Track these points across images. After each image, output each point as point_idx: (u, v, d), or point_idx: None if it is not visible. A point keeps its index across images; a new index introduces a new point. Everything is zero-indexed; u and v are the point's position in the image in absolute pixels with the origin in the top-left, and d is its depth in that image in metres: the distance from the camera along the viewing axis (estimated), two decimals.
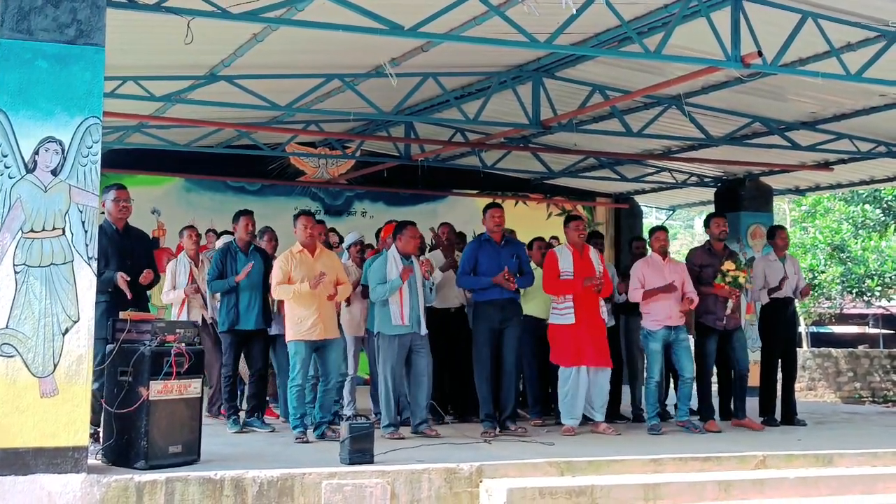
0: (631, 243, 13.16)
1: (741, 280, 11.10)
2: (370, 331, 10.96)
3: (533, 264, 11.22)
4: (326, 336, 9.79)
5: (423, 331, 10.15)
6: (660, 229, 11.53)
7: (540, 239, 12.24)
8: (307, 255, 9.88)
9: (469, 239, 12.56)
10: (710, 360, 11.36)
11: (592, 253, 10.89)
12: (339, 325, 10.64)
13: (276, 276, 9.81)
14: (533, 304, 11.29)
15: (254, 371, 10.64)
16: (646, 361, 11.29)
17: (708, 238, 11.66)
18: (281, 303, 10.34)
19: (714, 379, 11.67)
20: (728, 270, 11.04)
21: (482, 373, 10.42)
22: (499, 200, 16.25)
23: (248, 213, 10.76)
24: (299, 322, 9.70)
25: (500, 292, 10.37)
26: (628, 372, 12.57)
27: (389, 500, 7.69)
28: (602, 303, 10.82)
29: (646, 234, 12.79)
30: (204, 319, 11.26)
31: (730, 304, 11.19)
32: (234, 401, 10.66)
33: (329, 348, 9.86)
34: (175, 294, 11.32)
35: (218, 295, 10.82)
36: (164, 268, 11.71)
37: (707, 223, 11.74)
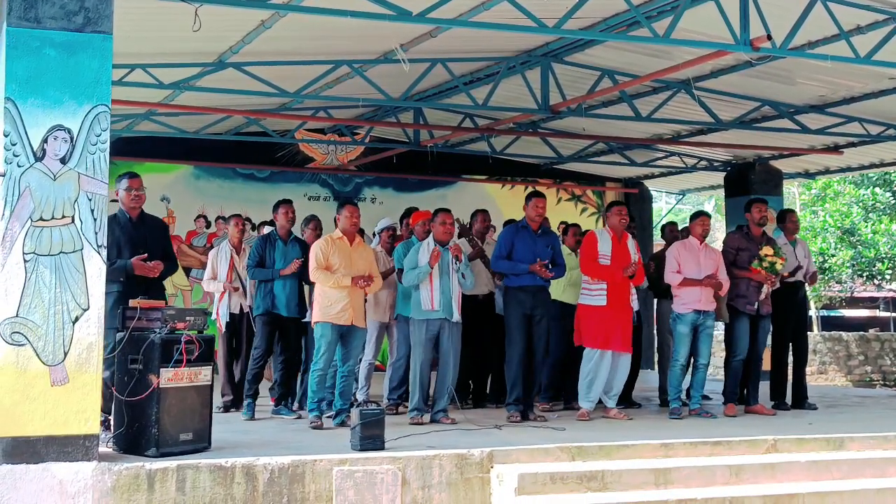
0: (664, 228, 13.16)
1: (778, 266, 11.06)
2: (400, 316, 11.00)
3: (567, 250, 11.37)
4: (354, 322, 9.82)
5: (456, 317, 10.18)
6: (703, 214, 11.43)
7: (575, 226, 12.29)
8: (345, 243, 9.93)
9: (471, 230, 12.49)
10: (742, 342, 11.21)
11: (630, 240, 10.89)
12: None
13: (315, 259, 9.82)
14: (560, 290, 11.34)
15: (284, 358, 10.69)
16: (673, 344, 11.29)
17: (746, 223, 11.57)
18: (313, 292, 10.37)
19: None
20: (766, 255, 10.99)
21: (514, 357, 10.44)
22: (511, 185, 16.26)
23: (287, 203, 10.94)
24: (329, 305, 9.71)
25: (532, 279, 10.38)
26: (659, 357, 12.53)
27: (400, 487, 7.70)
28: (633, 289, 10.85)
29: (657, 219, 12.74)
30: (242, 309, 11.29)
31: (765, 289, 11.13)
32: (257, 383, 10.68)
33: (353, 335, 9.88)
34: (215, 285, 11.35)
35: (255, 281, 10.88)
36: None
37: (748, 208, 11.56)
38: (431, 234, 10.37)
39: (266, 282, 10.62)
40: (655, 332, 12.40)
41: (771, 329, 11.75)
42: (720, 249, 11.52)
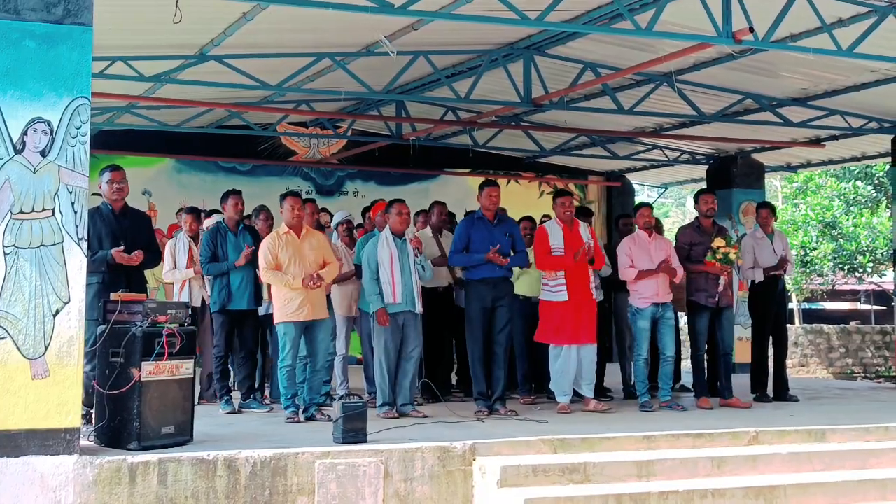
0: (618, 220, 13.14)
1: (732, 256, 11.08)
2: (362, 310, 10.96)
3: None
4: (315, 317, 9.76)
5: (418, 309, 10.16)
6: (644, 205, 11.53)
7: (528, 219, 12.18)
8: (293, 237, 9.83)
9: (459, 218, 12.46)
10: (703, 337, 11.33)
11: (582, 227, 10.84)
12: (330, 305, 10.61)
13: (264, 259, 9.75)
14: (521, 282, 11.27)
15: (244, 352, 10.64)
16: (633, 339, 11.28)
17: (696, 215, 11.63)
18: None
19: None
20: (719, 247, 11.02)
21: (475, 352, 10.38)
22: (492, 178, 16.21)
23: (236, 193, 10.75)
24: (287, 303, 9.67)
25: (492, 270, 10.29)
26: (618, 349, 12.56)
27: (383, 479, 7.70)
28: (592, 279, 10.81)
29: None
30: (203, 301, 11.23)
31: (722, 280, 11.17)
32: (226, 381, 10.64)
33: (317, 329, 9.83)
34: (180, 274, 11.26)
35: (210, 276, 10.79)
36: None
37: (696, 200, 11.70)
38: (388, 226, 10.32)
39: (221, 276, 10.48)
40: (613, 324, 12.36)
41: (747, 321, 11.77)
42: (671, 240, 11.54)
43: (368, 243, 10.37)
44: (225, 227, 10.62)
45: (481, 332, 10.36)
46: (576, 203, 11.67)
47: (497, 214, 10.59)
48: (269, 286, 10.36)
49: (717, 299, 11.20)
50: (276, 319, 9.80)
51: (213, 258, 10.47)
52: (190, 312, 10.81)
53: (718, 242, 11.05)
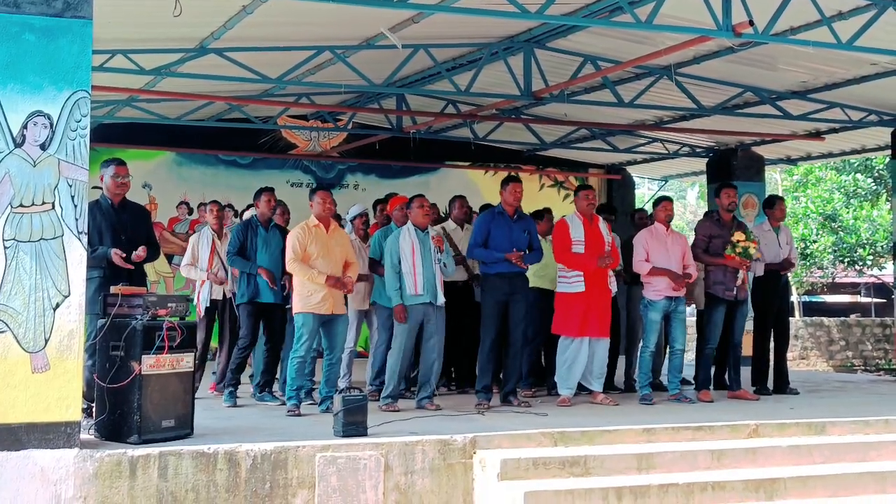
0: (633, 215, 13.16)
1: (752, 251, 11.10)
2: (377, 303, 10.99)
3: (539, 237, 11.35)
4: (335, 311, 9.78)
5: (440, 301, 10.18)
6: (666, 199, 11.47)
7: (547, 211, 12.22)
8: (322, 230, 9.87)
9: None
10: (717, 330, 11.28)
11: (601, 223, 10.89)
12: (346, 301, 10.64)
13: (291, 248, 9.76)
14: (536, 277, 11.31)
15: (270, 345, 10.68)
16: (643, 330, 11.29)
17: (717, 209, 11.58)
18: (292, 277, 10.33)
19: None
20: (738, 241, 11.03)
21: (485, 344, 10.42)
22: (494, 172, 16.27)
23: (269, 190, 10.87)
24: (309, 295, 9.67)
25: (508, 265, 10.33)
26: (627, 341, 12.56)
27: (383, 472, 7.71)
28: (610, 272, 10.84)
29: (639, 205, 12.75)
30: (224, 295, 11.26)
31: (740, 274, 11.18)
32: (240, 373, 10.67)
33: (336, 323, 9.85)
34: (194, 272, 11.35)
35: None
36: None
37: (717, 193, 11.63)
38: (410, 220, 10.35)
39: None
40: (625, 316, 12.40)
41: (749, 314, 11.79)
42: (687, 236, 11.53)
43: (391, 237, 10.41)
44: (256, 222, 10.74)
45: (494, 326, 10.39)
46: None
47: (516, 210, 10.63)
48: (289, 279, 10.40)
49: (734, 293, 11.21)
50: (296, 309, 9.80)
51: (241, 250, 10.54)
52: (209, 306, 10.99)
53: (738, 236, 11.06)
